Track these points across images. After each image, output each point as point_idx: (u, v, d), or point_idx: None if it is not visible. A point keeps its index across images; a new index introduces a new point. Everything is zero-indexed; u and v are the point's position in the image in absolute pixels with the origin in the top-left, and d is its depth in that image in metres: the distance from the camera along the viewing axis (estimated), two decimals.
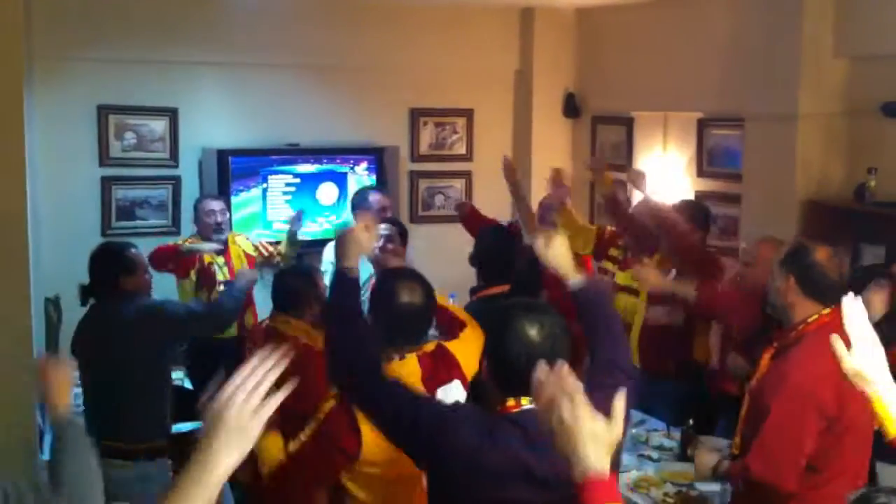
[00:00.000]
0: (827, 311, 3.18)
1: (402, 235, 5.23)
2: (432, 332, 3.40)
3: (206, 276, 5.86)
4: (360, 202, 5.95)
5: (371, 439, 2.84)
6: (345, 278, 2.86)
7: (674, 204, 5.30)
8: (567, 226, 5.35)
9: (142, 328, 4.12)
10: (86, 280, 4.32)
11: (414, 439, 2.51)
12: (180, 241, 5.94)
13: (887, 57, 5.13)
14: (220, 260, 5.90)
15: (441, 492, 2.50)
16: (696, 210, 5.21)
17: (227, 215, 6.06)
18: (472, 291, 4.47)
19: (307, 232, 6.78)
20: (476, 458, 2.37)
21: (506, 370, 2.44)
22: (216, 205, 5.96)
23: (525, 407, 2.41)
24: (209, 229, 5.90)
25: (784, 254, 3.34)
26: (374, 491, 2.85)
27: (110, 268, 4.21)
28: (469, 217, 5.78)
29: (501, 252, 4.50)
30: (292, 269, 4.48)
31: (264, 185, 6.75)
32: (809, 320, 3.21)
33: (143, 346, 4.12)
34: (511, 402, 2.43)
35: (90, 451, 2.78)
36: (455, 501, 2.45)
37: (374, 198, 5.95)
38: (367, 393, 2.68)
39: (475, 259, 4.52)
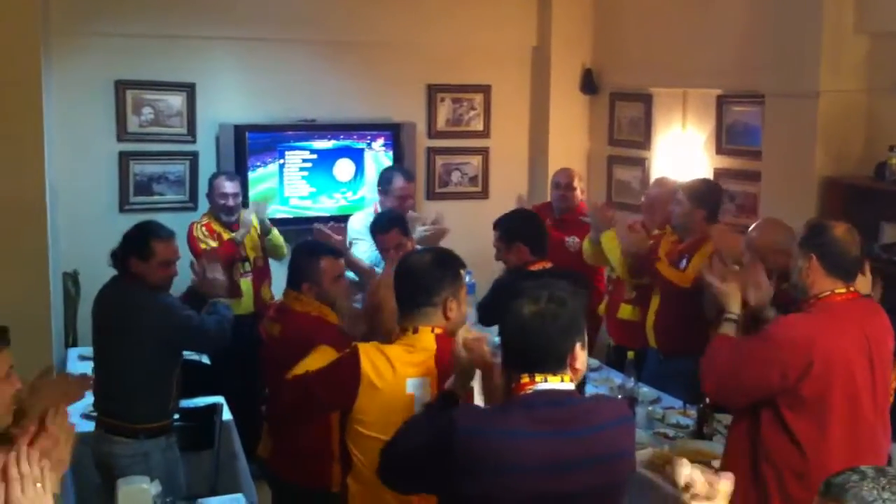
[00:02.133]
0: (842, 289, 3.21)
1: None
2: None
3: (225, 255, 5.86)
4: (383, 180, 6.01)
5: (366, 401, 2.89)
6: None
7: (682, 185, 5.25)
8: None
9: (145, 321, 4.09)
10: (105, 254, 4.32)
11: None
12: (207, 230, 5.93)
13: None
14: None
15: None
16: (705, 190, 5.14)
17: (240, 198, 6.09)
18: (516, 268, 4.49)
19: (323, 208, 6.79)
20: (497, 453, 2.36)
21: (507, 347, 2.46)
22: (230, 187, 6.00)
23: (539, 386, 2.41)
24: (220, 210, 5.98)
25: (803, 234, 3.34)
26: (369, 456, 2.86)
27: (127, 246, 4.16)
28: None
29: (542, 230, 4.63)
30: (304, 244, 4.43)
31: (281, 161, 6.75)
32: (822, 295, 3.24)
33: (146, 338, 4.09)
34: (525, 378, 2.42)
35: None
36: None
37: (398, 184, 5.93)
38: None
39: (515, 238, 4.49)
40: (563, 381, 2.43)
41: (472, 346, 2.64)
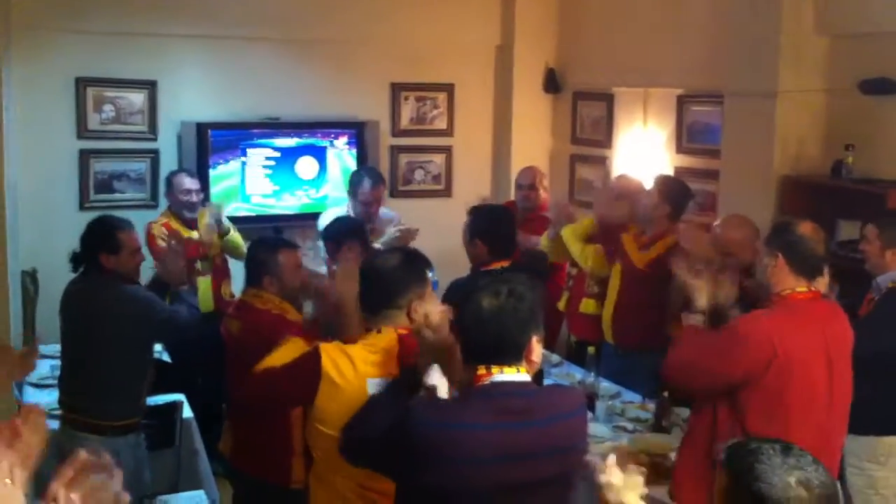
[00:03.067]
0: (804, 288, 3.28)
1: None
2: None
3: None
4: (352, 183, 6.02)
5: (326, 400, 2.89)
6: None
7: (656, 178, 5.32)
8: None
9: (119, 315, 4.06)
10: (64, 252, 4.28)
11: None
12: (166, 229, 5.81)
13: (866, 35, 5.15)
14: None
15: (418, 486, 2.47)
16: (676, 187, 5.21)
17: (202, 194, 6.04)
18: (476, 267, 4.47)
19: (286, 206, 6.79)
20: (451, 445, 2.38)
21: (466, 339, 2.48)
22: (192, 183, 5.93)
23: (495, 377, 2.43)
24: (183, 207, 5.89)
25: (770, 233, 3.43)
26: (327, 453, 2.87)
27: (93, 244, 4.14)
28: None
29: (506, 229, 4.54)
30: (263, 240, 4.42)
31: (243, 159, 6.73)
32: (784, 292, 3.29)
33: (119, 332, 4.06)
34: (482, 370, 2.44)
35: None
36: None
37: (364, 188, 5.90)
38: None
39: (476, 234, 4.49)
40: (518, 372, 2.45)
41: (435, 327, 2.66)
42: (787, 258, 3.28)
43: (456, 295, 3.95)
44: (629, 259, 5.02)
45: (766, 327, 3.23)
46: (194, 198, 5.90)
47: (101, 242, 4.12)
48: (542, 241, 5.61)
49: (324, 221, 5.91)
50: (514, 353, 2.45)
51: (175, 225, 5.85)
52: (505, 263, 4.30)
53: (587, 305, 5.47)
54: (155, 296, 4.21)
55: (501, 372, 2.43)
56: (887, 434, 3.97)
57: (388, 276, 2.98)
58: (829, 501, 1.89)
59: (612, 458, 2.28)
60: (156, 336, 4.30)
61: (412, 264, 3.04)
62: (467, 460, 2.38)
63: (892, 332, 3.88)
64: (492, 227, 4.50)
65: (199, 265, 5.80)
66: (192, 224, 5.90)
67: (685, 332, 3.44)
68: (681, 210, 5.12)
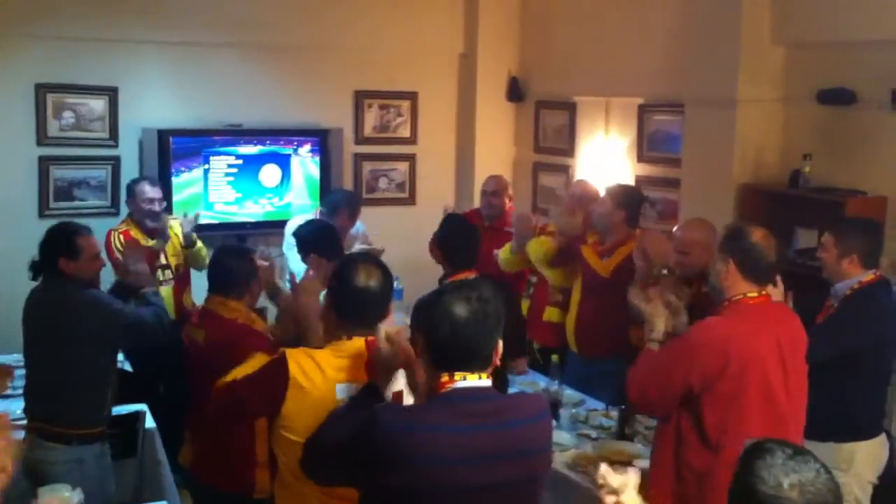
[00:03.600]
0: (754, 293, 3.32)
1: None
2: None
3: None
4: (331, 203, 6.03)
5: (294, 405, 2.88)
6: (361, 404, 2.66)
7: (608, 187, 5.36)
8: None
9: (82, 320, 4.02)
10: (24, 260, 4.23)
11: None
12: (125, 237, 5.72)
13: (823, 45, 5.24)
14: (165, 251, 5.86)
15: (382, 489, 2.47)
16: (627, 193, 5.25)
17: (164, 203, 5.97)
18: (442, 279, 4.48)
19: (249, 213, 6.76)
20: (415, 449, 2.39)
21: (435, 347, 2.48)
22: (154, 192, 5.86)
23: (458, 384, 2.45)
24: (145, 216, 5.82)
25: (722, 238, 3.44)
26: (291, 457, 2.87)
27: (53, 249, 4.09)
28: None
29: (467, 239, 4.55)
30: (229, 248, 4.39)
31: (206, 166, 6.69)
32: (735, 297, 3.33)
33: (83, 337, 4.02)
34: (445, 377, 2.46)
35: None
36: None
37: (343, 216, 5.90)
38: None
39: (441, 244, 4.50)
40: (480, 378, 2.48)
41: (393, 340, 2.67)
42: (739, 264, 3.31)
43: (422, 308, 4.00)
44: (591, 269, 5.06)
45: (719, 333, 3.27)
46: (157, 207, 5.84)
47: (61, 247, 4.08)
48: (501, 254, 5.58)
49: (291, 229, 5.89)
50: (482, 361, 2.48)
51: (135, 233, 5.78)
52: (469, 274, 4.28)
53: (551, 314, 5.50)
54: (114, 299, 4.17)
55: (465, 378, 2.45)
56: (847, 440, 4.02)
57: (372, 301, 2.95)
58: None
59: (604, 467, 2.35)
60: (122, 340, 4.25)
61: (390, 284, 3.04)
62: (433, 462, 2.39)
63: (849, 336, 3.93)
64: (449, 237, 4.52)
65: (159, 274, 5.75)
66: (152, 233, 5.83)
67: (641, 355, 3.47)
68: (636, 214, 5.16)
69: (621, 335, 4.90)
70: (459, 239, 4.54)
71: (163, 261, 5.83)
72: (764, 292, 3.35)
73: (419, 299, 4.12)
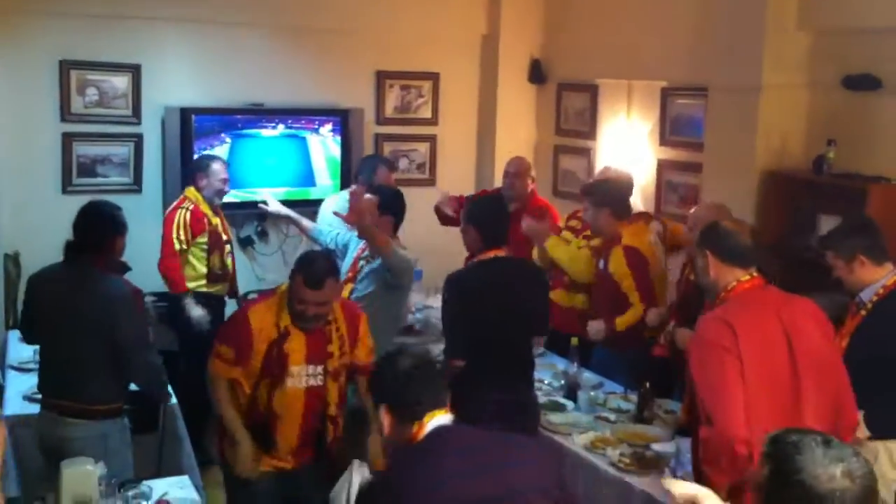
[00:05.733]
0: (745, 276, 3.33)
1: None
2: None
3: (216, 239, 5.96)
4: (366, 169, 6.01)
5: None
6: None
7: (582, 187, 5.38)
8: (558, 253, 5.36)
9: (111, 314, 4.02)
10: (47, 236, 4.26)
11: None
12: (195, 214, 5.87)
13: (849, 30, 5.20)
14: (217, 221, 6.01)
15: None
16: (604, 189, 5.23)
17: None
18: (469, 259, 4.49)
19: (273, 194, 6.75)
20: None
21: (392, 404, 2.72)
22: (226, 172, 6.03)
23: (433, 422, 2.64)
24: (217, 194, 5.97)
25: (698, 237, 3.52)
26: None
27: (108, 228, 4.14)
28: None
29: (501, 216, 4.51)
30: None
31: (229, 143, 6.70)
32: (730, 287, 3.34)
33: (110, 329, 4.02)
34: (416, 426, 2.64)
35: None
36: None
37: (383, 174, 5.96)
38: None
39: (475, 220, 4.45)
40: (446, 414, 2.68)
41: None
42: (716, 253, 3.35)
43: (451, 287, 4.09)
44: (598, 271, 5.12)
45: (720, 318, 3.25)
46: (228, 187, 6.03)
47: (115, 225, 4.17)
48: (535, 255, 5.52)
49: (325, 210, 5.88)
50: (439, 400, 2.69)
51: (205, 209, 5.89)
52: (500, 252, 4.29)
53: (559, 296, 5.45)
54: (147, 328, 4.28)
55: (434, 417, 2.63)
56: (872, 439, 3.95)
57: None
58: (872, 492, 1.91)
59: (670, 481, 2.43)
60: (127, 348, 4.16)
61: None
62: None
63: (885, 344, 3.78)
64: (480, 212, 4.48)
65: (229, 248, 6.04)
66: (217, 211, 5.98)
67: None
68: (622, 206, 5.15)
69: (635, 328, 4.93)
70: (493, 216, 4.47)
71: (224, 237, 6.02)
72: (755, 273, 3.35)
73: (449, 275, 4.21)
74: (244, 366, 3.86)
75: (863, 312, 3.80)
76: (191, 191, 5.93)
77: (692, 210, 4.82)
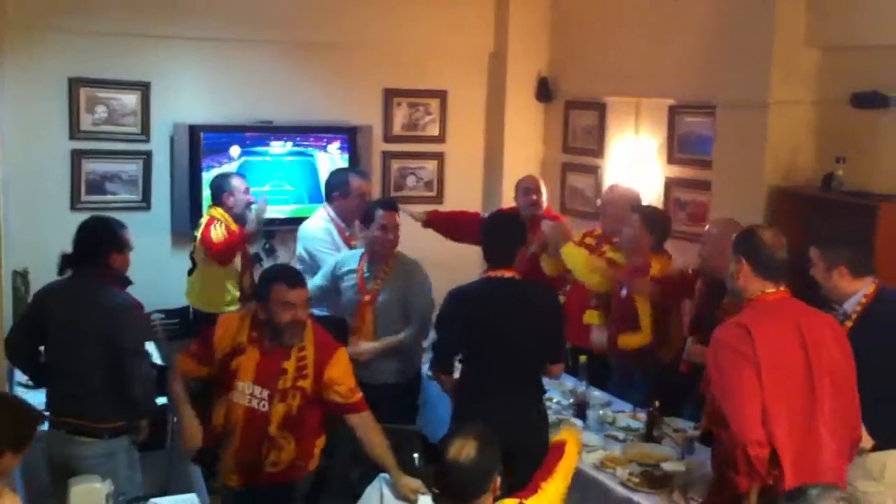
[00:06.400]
0: (772, 289, 3.37)
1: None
2: None
3: (248, 258, 6.22)
4: (339, 184, 5.92)
5: None
6: None
7: (637, 207, 5.32)
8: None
9: (111, 321, 4.04)
10: (56, 253, 4.26)
11: None
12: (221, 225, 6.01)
13: (858, 48, 5.20)
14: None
15: None
16: (660, 217, 5.25)
17: None
18: (483, 273, 4.45)
19: (278, 210, 6.76)
20: None
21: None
22: (245, 183, 6.20)
23: None
24: (245, 206, 6.12)
25: (734, 240, 3.51)
26: None
27: (103, 243, 4.16)
28: (435, 222, 5.99)
29: (504, 236, 4.36)
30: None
31: (241, 161, 6.71)
32: (754, 296, 3.39)
33: (110, 336, 4.03)
34: None
35: None
36: None
37: (356, 183, 5.90)
38: None
39: (482, 238, 4.42)
40: None
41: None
42: (751, 262, 3.38)
43: (453, 301, 4.06)
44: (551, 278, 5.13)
45: (738, 324, 3.31)
46: (251, 195, 6.19)
47: (113, 242, 4.18)
48: (543, 260, 5.56)
49: (308, 233, 5.82)
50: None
51: (234, 228, 6.02)
52: (506, 273, 4.19)
53: (591, 317, 5.41)
54: (145, 339, 4.33)
55: None
56: (878, 449, 3.94)
57: (472, 475, 2.84)
58: None
59: None
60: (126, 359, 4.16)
61: (493, 453, 2.90)
62: None
63: (876, 346, 3.82)
64: (485, 231, 4.44)
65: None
66: (242, 222, 6.12)
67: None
68: (662, 240, 5.14)
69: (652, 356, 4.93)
70: (498, 234, 4.37)
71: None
72: (782, 288, 3.39)
73: (451, 290, 4.19)
74: (210, 367, 3.96)
75: (848, 323, 3.79)
76: (217, 210, 6.04)
77: (706, 227, 4.80)
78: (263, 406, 3.84)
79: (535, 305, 4.21)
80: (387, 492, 3.71)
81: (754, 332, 3.22)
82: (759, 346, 3.20)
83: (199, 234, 6.04)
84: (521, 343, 4.11)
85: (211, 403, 3.98)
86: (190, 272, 6.22)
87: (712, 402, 3.38)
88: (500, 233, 4.36)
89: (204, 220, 6.07)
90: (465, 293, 4.25)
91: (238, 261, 6.09)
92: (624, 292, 5.04)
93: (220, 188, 6.15)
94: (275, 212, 6.81)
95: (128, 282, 4.24)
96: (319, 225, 5.80)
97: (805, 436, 3.25)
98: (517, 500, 2.95)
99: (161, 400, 4.62)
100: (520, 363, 4.14)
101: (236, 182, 6.13)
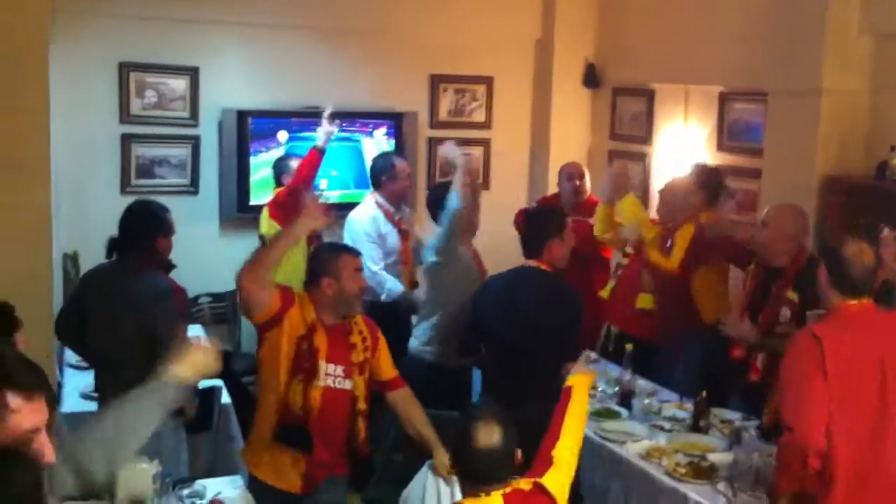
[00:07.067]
0: (853, 301, 3.32)
1: None
2: None
3: (314, 236, 6.05)
4: (385, 167, 5.94)
5: None
6: None
7: (691, 170, 5.32)
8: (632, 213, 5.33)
9: (145, 308, 4.09)
10: (105, 236, 4.31)
11: None
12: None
13: None
14: None
15: None
16: (710, 174, 5.23)
17: None
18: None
19: (327, 196, 6.75)
20: None
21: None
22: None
23: None
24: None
25: (819, 245, 3.57)
26: None
27: (150, 227, 4.23)
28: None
29: (532, 226, 4.52)
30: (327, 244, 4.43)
31: (288, 144, 6.73)
32: (836, 304, 3.36)
33: (143, 323, 4.08)
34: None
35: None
36: None
37: (400, 165, 5.94)
38: None
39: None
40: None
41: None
42: (827, 271, 3.37)
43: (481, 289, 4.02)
44: (657, 268, 5.03)
45: (812, 334, 3.27)
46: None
47: (158, 225, 4.24)
48: (598, 213, 5.55)
49: (356, 225, 5.85)
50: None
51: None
52: (532, 263, 4.31)
53: (644, 301, 5.35)
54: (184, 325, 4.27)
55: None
56: None
57: (495, 460, 2.86)
58: None
59: None
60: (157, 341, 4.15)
61: (512, 437, 2.90)
62: None
63: None
64: (524, 223, 4.53)
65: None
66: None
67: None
68: (714, 197, 5.18)
69: (697, 320, 4.90)
70: (527, 226, 4.51)
71: None
72: (865, 301, 3.33)
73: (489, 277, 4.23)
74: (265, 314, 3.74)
75: None
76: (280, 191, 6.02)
77: (766, 211, 4.66)
78: (341, 384, 3.78)
79: (555, 300, 4.27)
80: (431, 477, 3.71)
81: (826, 346, 3.19)
82: (829, 360, 3.17)
83: (264, 215, 6.00)
84: (536, 333, 4.17)
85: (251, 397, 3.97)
86: None
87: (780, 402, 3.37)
88: (532, 223, 4.50)
89: (267, 200, 6.07)
90: (491, 281, 4.44)
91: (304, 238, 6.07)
92: (668, 244, 5.07)
93: (281, 170, 6.15)
94: (325, 197, 6.82)
95: (171, 265, 4.29)
96: (367, 213, 5.84)
97: (868, 455, 3.21)
98: (530, 482, 2.92)
99: (206, 383, 4.66)
100: (533, 355, 4.20)
101: (295, 163, 6.10)
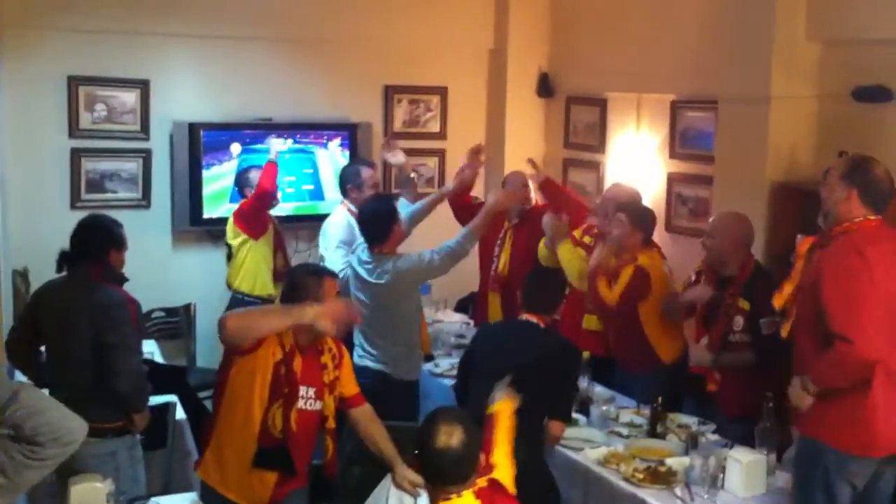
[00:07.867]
0: (872, 216, 3.54)
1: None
2: None
3: (280, 238, 6.24)
4: (351, 176, 5.92)
5: None
6: None
7: (621, 204, 5.27)
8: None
9: (98, 319, 4.03)
10: (55, 252, 4.25)
11: None
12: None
13: (859, 41, 5.17)
14: None
15: None
16: (644, 216, 5.19)
17: None
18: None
19: (280, 208, 6.71)
20: None
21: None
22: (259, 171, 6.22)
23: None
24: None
25: (846, 169, 3.63)
26: None
27: (104, 241, 4.18)
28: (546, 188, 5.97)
29: (532, 282, 4.60)
30: (306, 266, 4.35)
31: (241, 157, 6.69)
32: (857, 219, 3.54)
33: (95, 334, 4.02)
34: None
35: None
36: None
37: (367, 174, 5.92)
38: None
39: None
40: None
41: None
42: (861, 194, 3.54)
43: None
44: (600, 298, 5.05)
45: (850, 247, 3.47)
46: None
47: (113, 239, 4.20)
48: (541, 249, 5.53)
49: (330, 230, 5.82)
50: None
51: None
52: (531, 318, 4.32)
53: (590, 321, 5.36)
54: (138, 336, 4.23)
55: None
56: None
57: (458, 461, 2.97)
58: None
59: None
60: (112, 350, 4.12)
61: (475, 437, 3.04)
62: None
63: None
64: (528, 279, 4.61)
65: None
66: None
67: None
68: (650, 234, 5.16)
69: (647, 352, 4.91)
70: (532, 283, 4.55)
71: None
72: (880, 216, 3.58)
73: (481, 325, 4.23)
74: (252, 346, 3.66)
75: None
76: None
77: (711, 220, 4.79)
78: (313, 405, 3.74)
79: (547, 357, 4.16)
80: (393, 490, 3.69)
81: (870, 257, 3.41)
82: (875, 269, 3.40)
83: (230, 223, 6.16)
84: (522, 388, 3.87)
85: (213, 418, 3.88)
86: (228, 258, 6.25)
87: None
88: (537, 283, 4.54)
89: (226, 212, 6.27)
90: (483, 329, 4.60)
91: (270, 238, 6.14)
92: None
93: (243, 183, 6.28)
94: (277, 209, 6.79)
95: (124, 279, 4.24)
96: (342, 220, 5.81)
97: None
98: (485, 479, 3.07)
99: (158, 399, 4.61)
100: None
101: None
